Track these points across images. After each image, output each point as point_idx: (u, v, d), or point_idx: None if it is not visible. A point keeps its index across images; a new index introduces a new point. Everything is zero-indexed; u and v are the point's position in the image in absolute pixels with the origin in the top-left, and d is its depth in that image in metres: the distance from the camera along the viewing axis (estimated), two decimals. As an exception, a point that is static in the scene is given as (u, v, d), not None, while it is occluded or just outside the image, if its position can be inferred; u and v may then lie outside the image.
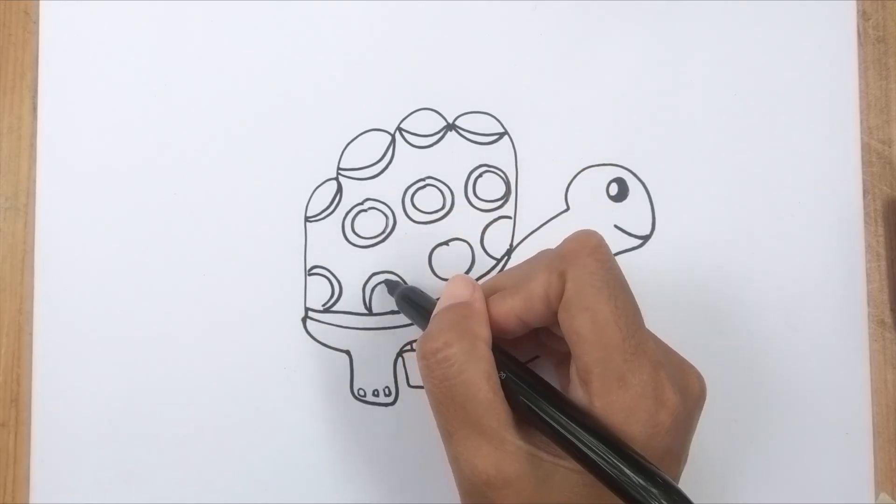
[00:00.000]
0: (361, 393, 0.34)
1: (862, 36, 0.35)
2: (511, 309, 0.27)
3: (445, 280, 0.34)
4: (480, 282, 0.30)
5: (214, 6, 0.35)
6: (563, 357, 0.30)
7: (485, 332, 0.27)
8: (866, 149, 0.35)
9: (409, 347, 0.34)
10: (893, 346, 0.34)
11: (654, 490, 0.23)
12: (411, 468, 0.33)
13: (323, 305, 0.34)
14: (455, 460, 0.26)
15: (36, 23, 0.35)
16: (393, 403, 0.34)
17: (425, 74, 0.35)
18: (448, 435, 0.26)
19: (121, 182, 0.34)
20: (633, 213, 0.34)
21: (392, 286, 0.33)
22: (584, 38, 0.35)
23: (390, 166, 0.34)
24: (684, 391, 0.26)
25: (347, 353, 0.34)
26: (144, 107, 0.35)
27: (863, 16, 0.35)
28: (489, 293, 0.28)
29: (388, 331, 0.34)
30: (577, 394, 0.26)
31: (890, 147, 0.35)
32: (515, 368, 0.27)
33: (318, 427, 0.34)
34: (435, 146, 0.35)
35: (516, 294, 0.27)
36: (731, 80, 0.35)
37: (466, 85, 0.35)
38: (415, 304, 0.31)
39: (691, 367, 0.27)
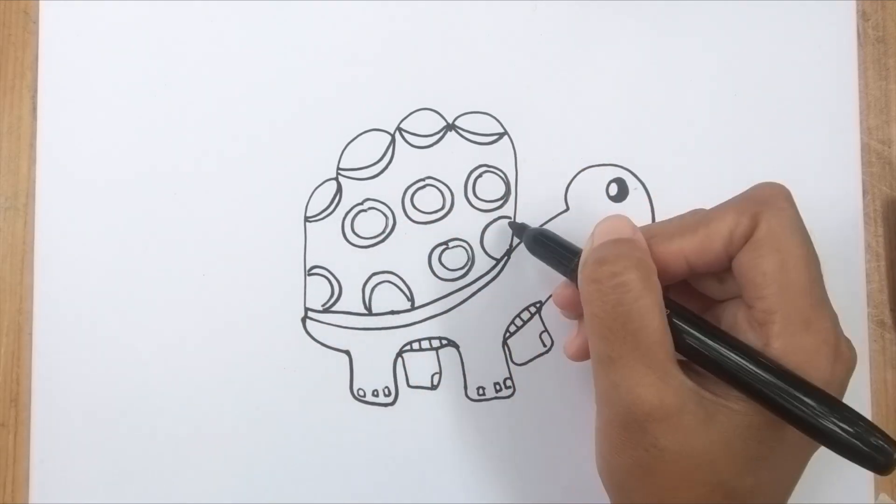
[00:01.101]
0: (361, 393, 0.34)
1: (862, 36, 0.35)
2: (680, 250, 0.27)
3: (445, 280, 0.34)
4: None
5: (215, 6, 0.35)
6: (706, 306, 0.29)
7: (654, 267, 0.27)
8: (866, 149, 0.35)
9: (408, 347, 0.34)
10: (893, 346, 0.34)
11: (851, 428, 0.23)
12: (411, 468, 0.33)
13: (323, 305, 0.34)
14: (615, 387, 0.26)
15: (36, 23, 0.35)
16: (393, 404, 0.34)
17: (425, 74, 0.35)
18: (610, 361, 0.26)
19: (120, 182, 0.34)
20: (633, 213, 0.34)
21: (518, 228, 0.33)
22: (584, 38, 0.35)
23: (390, 166, 0.34)
24: (853, 351, 0.26)
25: (347, 353, 0.34)
26: (144, 107, 0.35)
27: (862, 16, 0.35)
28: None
29: (388, 331, 0.34)
30: (747, 336, 0.26)
31: (889, 147, 0.35)
32: (677, 307, 0.27)
33: (317, 427, 0.34)
34: (435, 146, 0.35)
35: (692, 235, 0.27)
36: (731, 80, 0.35)
37: (466, 85, 0.35)
38: (554, 242, 0.31)
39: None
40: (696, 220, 0.28)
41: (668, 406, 0.25)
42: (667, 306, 0.26)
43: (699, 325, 0.26)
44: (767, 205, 0.26)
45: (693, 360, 0.26)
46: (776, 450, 0.25)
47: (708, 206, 0.34)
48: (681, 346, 0.26)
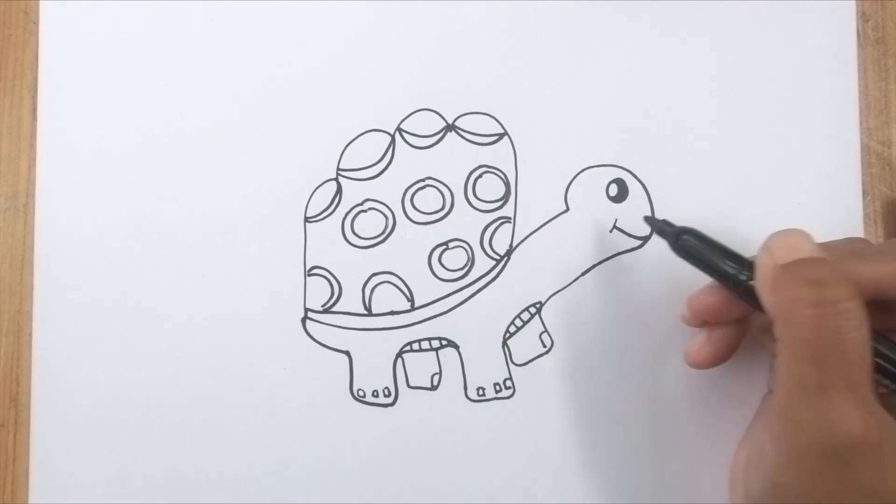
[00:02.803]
0: (361, 394, 0.34)
1: (861, 37, 0.35)
2: (876, 274, 0.27)
3: (445, 280, 0.34)
4: None
5: (214, 6, 0.35)
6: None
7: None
8: (866, 150, 0.35)
9: (408, 348, 0.34)
10: (893, 347, 0.34)
11: None
12: (411, 468, 0.33)
13: (322, 306, 0.34)
14: (821, 416, 0.25)
15: (36, 23, 0.35)
16: (392, 404, 0.34)
17: (425, 74, 0.35)
18: (820, 389, 0.25)
19: (120, 182, 0.34)
20: (633, 213, 0.34)
21: (657, 225, 0.31)
22: (584, 38, 0.35)
23: (390, 167, 0.34)
24: None
25: (347, 353, 0.34)
26: (144, 107, 0.35)
27: (862, 17, 0.35)
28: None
29: (388, 331, 0.34)
30: None
31: (889, 148, 0.35)
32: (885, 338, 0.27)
33: (317, 428, 0.34)
34: (435, 147, 0.35)
35: (887, 262, 0.27)
36: (730, 80, 0.35)
37: (466, 85, 0.35)
38: (712, 245, 0.29)
39: None
40: (888, 248, 0.27)
41: (871, 439, 0.24)
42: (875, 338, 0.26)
43: None
44: None
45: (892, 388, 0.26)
46: None
47: (707, 207, 0.34)
48: (883, 373, 0.26)
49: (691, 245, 0.30)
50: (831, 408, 0.24)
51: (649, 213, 0.34)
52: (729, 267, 0.29)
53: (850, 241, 0.28)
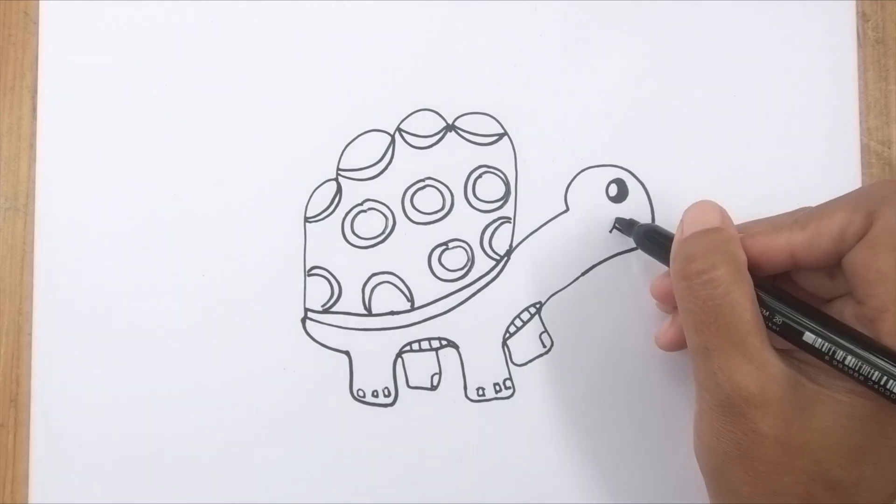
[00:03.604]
0: (361, 394, 0.34)
1: (861, 37, 0.35)
2: (787, 243, 0.28)
3: (445, 280, 0.34)
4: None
5: (214, 6, 0.35)
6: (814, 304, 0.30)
7: (744, 257, 0.28)
8: (866, 150, 0.35)
9: (408, 348, 0.34)
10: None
11: None
12: (411, 468, 0.33)
13: (322, 306, 0.34)
14: (713, 375, 0.27)
15: (36, 23, 0.35)
16: (392, 404, 0.34)
17: (425, 74, 0.35)
18: (707, 352, 0.27)
19: (120, 182, 0.34)
20: (633, 213, 0.34)
21: (626, 224, 0.33)
22: (584, 38, 0.35)
23: (390, 167, 0.35)
24: None
25: (347, 353, 0.34)
26: (144, 107, 0.35)
27: (862, 17, 0.35)
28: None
29: (388, 331, 0.34)
30: None
31: (889, 148, 0.35)
32: (788, 296, 0.28)
33: (317, 428, 0.34)
34: (435, 147, 0.35)
35: (801, 230, 0.28)
36: (730, 80, 0.35)
37: (466, 85, 0.35)
38: (662, 237, 0.31)
39: None
40: (806, 215, 0.28)
41: (766, 393, 0.26)
42: (775, 294, 0.27)
43: (807, 311, 0.27)
44: (884, 202, 0.26)
45: (800, 347, 0.27)
46: (883, 445, 0.26)
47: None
48: (787, 334, 0.27)
49: (648, 238, 0.32)
50: (720, 367, 0.26)
51: (649, 214, 0.34)
52: (663, 254, 0.30)
53: (776, 218, 0.29)
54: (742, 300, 0.26)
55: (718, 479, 0.28)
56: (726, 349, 0.26)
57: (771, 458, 0.26)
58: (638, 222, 0.33)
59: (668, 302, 0.32)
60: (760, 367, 0.26)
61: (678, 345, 0.31)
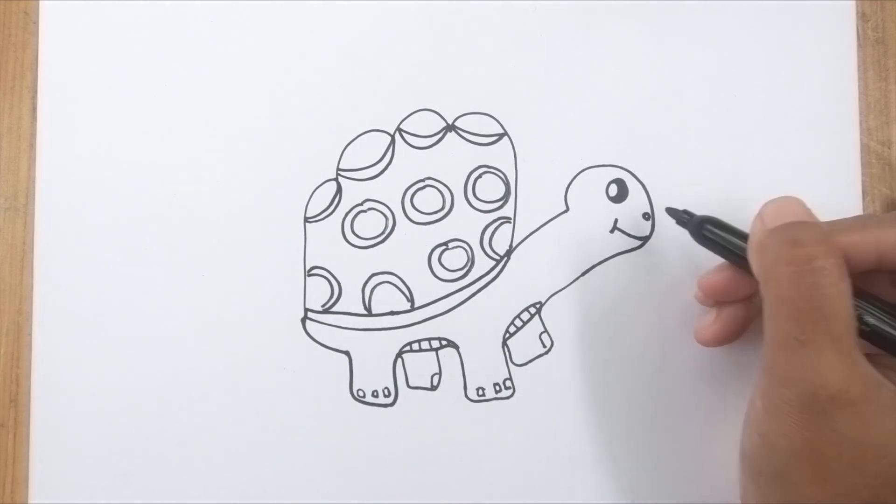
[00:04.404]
0: (361, 394, 0.34)
1: (861, 37, 0.35)
2: (876, 241, 0.27)
3: (445, 280, 0.34)
4: None
5: (214, 6, 0.35)
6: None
7: (842, 253, 0.27)
8: (865, 150, 0.35)
9: (408, 348, 0.34)
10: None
11: None
12: (411, 469, 0.33)
13: (322, 306, 0.34)
14: (801, 369, 0.25)
15: (36, 23, 0.35)
16: (392, 404, 0.34)
17: (425, 74, 0.35)
18: (799, 344, 0.25)
19: (120, 182, 0.34)
20: (633, 213, 0.34)
21: (678, 214, 0.32)
22: (584, 38, 0.35)
23: (390, 167, 0.35)
24: None
25: (347, 353, 0.34)
26: (144, 107, 0.35)
27: (862, 17, 0.35)
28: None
29: (388, 331, 0.34)
30: None
31: (889, 148, 0.35)
32: (874, 297, 0.27)
33: (317, 428, 0.34)
34: (435, 147, 0.35)
35: (889, 228, 0.27)
36: (730, 80, 0.35)
37: (466, 85, 0.35)
38: (729, 229, 0.30)
39: None
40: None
41: (852, 393, 0.25)
42: (865, 295, 0.27)
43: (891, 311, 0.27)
44: None
45: (886, 349, 0.27)
46: None
47: (707, 207, 0.34)
48: (872, 336, 0.27)
49: (706, 229, 0.31)
50: (811, 361, 0.25)
51: (649, 213, 0.34)
52: (732, 244, 0.30)
53: (861, 217, 0.29)
54: (846, 294, 0.25)
55: (777, 478, 0.27)
56: (822, 343, 0.25)
57: (846, 458, 0.25)
58: (693, 214, 0.32)
59: (716, 296, 0.31)
60: (851, 367, 0.25)
61: (722, 339, 0.31)
